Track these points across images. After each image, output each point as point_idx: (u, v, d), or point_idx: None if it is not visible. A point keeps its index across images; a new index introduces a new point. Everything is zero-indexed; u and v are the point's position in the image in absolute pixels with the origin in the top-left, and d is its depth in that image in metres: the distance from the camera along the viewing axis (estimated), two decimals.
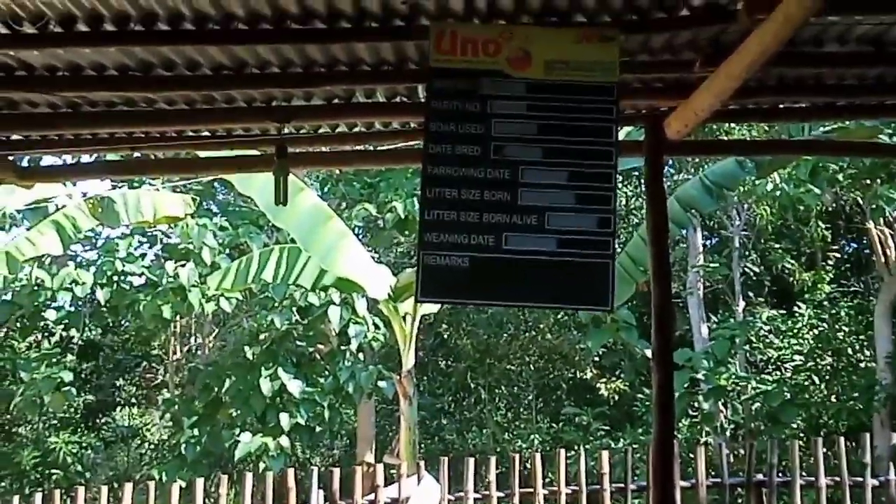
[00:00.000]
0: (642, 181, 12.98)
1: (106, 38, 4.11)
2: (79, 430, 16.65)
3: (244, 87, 4.73)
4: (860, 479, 8.61)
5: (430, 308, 11.94)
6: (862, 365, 14.27)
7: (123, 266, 13.37)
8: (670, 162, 15.75)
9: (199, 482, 8.26)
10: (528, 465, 8.89)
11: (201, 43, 4.21)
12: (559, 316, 17.09)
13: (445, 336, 18.18)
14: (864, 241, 16.19)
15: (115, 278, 13.32)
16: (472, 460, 8.60)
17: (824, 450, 8.86)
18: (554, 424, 16.41)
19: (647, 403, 13.93)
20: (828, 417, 13.56)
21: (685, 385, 13.11)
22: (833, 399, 13.77)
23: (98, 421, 17.82)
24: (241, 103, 5.00)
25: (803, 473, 8.76)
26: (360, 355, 13.95)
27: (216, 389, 13.24)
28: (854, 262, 17.71)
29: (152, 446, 18.44)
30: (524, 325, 17.61)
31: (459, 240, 3.87)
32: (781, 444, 9.30)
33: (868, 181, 13.29)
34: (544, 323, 17.36)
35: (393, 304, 10.97)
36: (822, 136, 10.18)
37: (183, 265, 12.95)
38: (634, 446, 11.80)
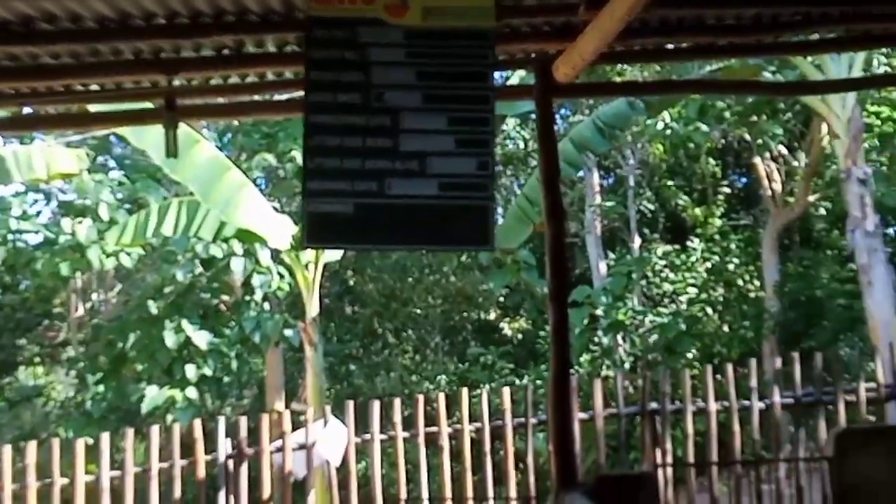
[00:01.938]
0: None
1: None
2: None
3: (130, 39, 4.67)
4: (748, 402, 8.96)
5: (334, 255, 11.98)
6: (752, 295, 14.84)
7: (18, 224, 13.11)
8: (566, 104, 15.97)
9: (105, 437, 8.16)
10: (434, 406, 9.05)
11: None
12: (463, 258, 17.31)
13: (351, 283, 18.27)
14: (752, 176, 16.74)
15: (11, 237, 13.06)
16: (377, 402, 8.71)
17: (718, 377, 9.18)
18: (460, 365, 16.68)
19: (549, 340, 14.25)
20: (721, 346, 14.09)
21: (585, 321, 13.47)
22: (725, 328, 14.29)
23: (1, 381, 17.54)
24: (128, 56, 4.95)
25: (696, 400, 9.06)
26: (266, 305, 13.97)
27: (121, 345, 13.14)
28: (743, 197, 18.27)
29: (58, 405, 18.22)
30: (428, 268, 17.78)
31: (343, 186, 3.95)
32: (674, 374, 9.62)
33: (754, 118, 13.73)
34: (448, 266, 17.56)
35: (295, 253, 10.99)
36: (708, 74, 10.46)
37: (80, 221, 12.74)
38: (539, 382, 12.08)
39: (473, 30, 4.08)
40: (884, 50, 12.25)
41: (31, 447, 7.91)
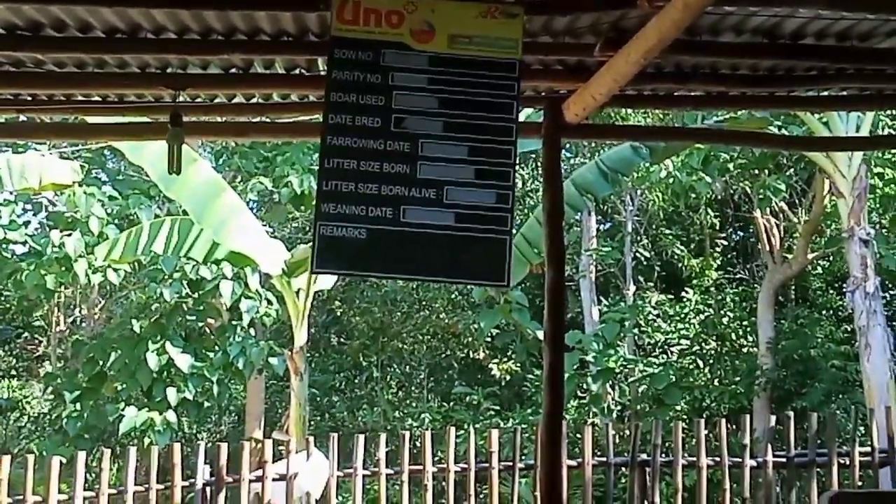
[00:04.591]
0: (539, 163, 13.06)
1: None
2: None
3: (138, 51, 4.59)
4: (739, 459, 8.83)
5: (324, 284, 11.83)
6: (744, 350, 14.75)
7: (5, 233, 12.89)
8: (567, 145, 15.90)
9: (81, 456, 8.02)
10: (419, 443, 8.88)
11: (94, 4, 4.08)
12: (453, 295, 17.16)
13: (339, 313, 18.11)
14: (751, 230, 16.70)
15: None
16: (361, 437, 8.55)
17: (706, 431, 9.05)
18: (445, 403, 16.49)
19: (538, 384, 14.10)
20: (711, 400, 13.96)
21: (575, 367, 13.31)
22: (716, 382, 14.18)
23: None
24: (134, 68, 4.85)
25: (685, 454, 8.93)
26: (252, 331, 13.79)
27: (101, 363, 12.89)
28: (740, 250, 18.23)
29: (32, 420, 17.91)
30: (418, 303, 17.63)
31: (357, 211, 3.85)
32: (665, 426, 9.48)
33: (757, 171, 13.70)
34: (438, 302, 17.43)
35: (286, 280, 10.83)
36: (715, 125, 10.39)
37: (69, 234, 12.54)
38: (523, 426, 11.91)
39: (499, 60, 4.00)
40: (889, 112, 12.24)
41: (5, 462, 7.73)
